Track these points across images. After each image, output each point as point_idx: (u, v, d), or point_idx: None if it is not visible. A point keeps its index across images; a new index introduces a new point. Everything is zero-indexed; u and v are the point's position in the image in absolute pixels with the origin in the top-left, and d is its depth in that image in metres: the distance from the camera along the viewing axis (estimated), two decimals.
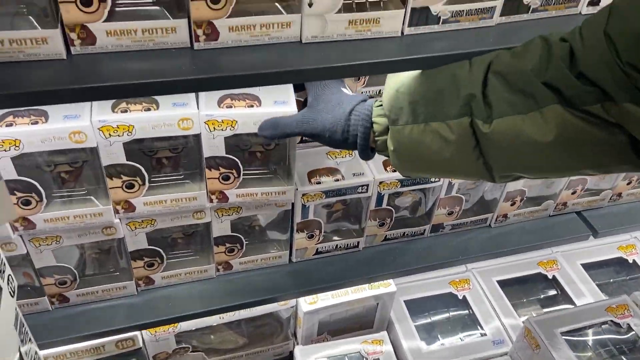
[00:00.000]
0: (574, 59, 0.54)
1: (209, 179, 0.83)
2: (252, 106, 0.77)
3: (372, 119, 0.69)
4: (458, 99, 0.61)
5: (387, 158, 0.73)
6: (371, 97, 1.00)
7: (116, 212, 0.83)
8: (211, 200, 0.87)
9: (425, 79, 0.66)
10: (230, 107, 0.77)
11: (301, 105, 0.81)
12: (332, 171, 0.99)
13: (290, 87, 0.81)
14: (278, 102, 0.78)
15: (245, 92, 0.80)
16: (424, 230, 1.13)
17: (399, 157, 0.68)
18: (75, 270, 0.90)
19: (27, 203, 0.77)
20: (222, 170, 0.82)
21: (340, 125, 0.70)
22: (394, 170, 0.99)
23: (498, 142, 0.59)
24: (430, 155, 0.64)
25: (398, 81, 0.68)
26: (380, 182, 0.98)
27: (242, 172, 0.84)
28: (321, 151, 1.01)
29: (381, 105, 0.69)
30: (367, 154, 0.72)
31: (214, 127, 0.76)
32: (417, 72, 0.68)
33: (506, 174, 0.63)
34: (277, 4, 0.70)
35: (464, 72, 0.63)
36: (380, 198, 1.02)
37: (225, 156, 0.81)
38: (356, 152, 1.02)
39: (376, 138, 0.70)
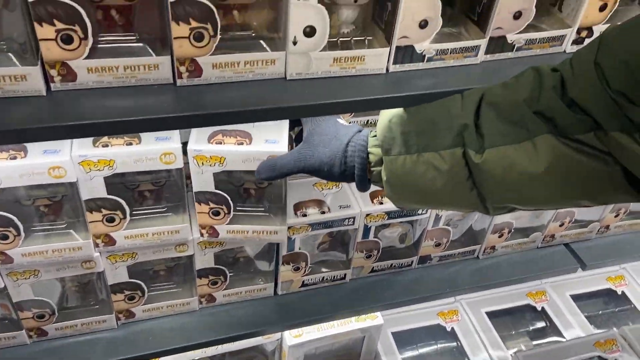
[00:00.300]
0: (565, 88, 0.54)
1: (199, 213, 0.82)
2: (242, 143, 0.76)
3: (368, 149, 0.69)
4: (451, 129, 0.61)
5: (380, 189, 0.72)
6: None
7: (96, 245, 0.82)
8: (201, 234, 0.85)
9: (418, 110, 0.66)
10: (220, 143, 0.76)
11: (292, 140, 0.80)
12: (318, 203, 0.98)
13: (284, 124, 0.80)
14: (269, 141, 0.77)
15: (238, 128, 0.79)
16: (412, 261, 1.12)
17: (392, 187, 0.67)
18: (53, 304, 0.88)
19: (4, 237, 0.76)
20: (212, 205, 0.81)
21: (338, 158, 0.69)
22: (381, 203, 0.99)
23: (490, 173, 0.59)
24: (424, 186, 0.64)
25: (391, 112, 0.68)
26: (367, 215, 0.98)
27: (232, 208, 0.82)
28: (307, 183, 1.01)
29: (375, 135, 0.69)
30: (364, 185, 0.71)
31: (202, 162, 0.75)
32: (414, 107, 0.68)
33: (500, 205, 0.63)
34: (261, 41, 0.70)
35: (456, 103, 0.63)
36: (367, 230, 1.01)
37: (215, 191, 0.80)
38: (343, 183, 1.02)
39: (372, 169, 0.69)
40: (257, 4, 0.69)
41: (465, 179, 0.61)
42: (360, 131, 0.72)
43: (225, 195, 0.79)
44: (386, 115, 0.68)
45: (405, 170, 0.64)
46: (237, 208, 0.83)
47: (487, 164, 0.58)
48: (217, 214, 0.80)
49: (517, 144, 0.56)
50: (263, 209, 0.87)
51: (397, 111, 0.68)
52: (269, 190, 0.85)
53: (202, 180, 0.77)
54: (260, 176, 0.73)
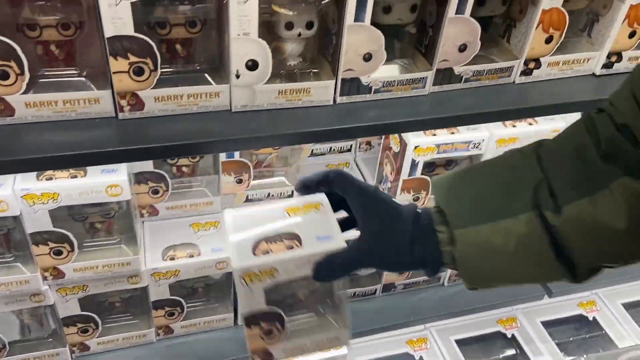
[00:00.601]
0: (615, 124, 0.51)
1: (248, 335, 0.64)
2: (292, 247, 0.61)
3: (435, 228, 0.58)
4: (523, 191, 0.54)
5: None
6: None
7: (44, 278, 0.81)
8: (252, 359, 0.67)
9: (479, 172, 0.60)
10: (267, 252, 0.60)
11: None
12: None
13: (328, 211, 0.63)
14: (321, 237, 0.61)
15: (282, 231, 0.62)
16: (375, 290, 1.11)
17: (468, 266, 0.57)
18: (4, 338, 0.86)
19: None
20: (265, 326, 0.64)
21: (405, 247, 0.58)
22: None
23: (572, 235, 0.52)
24: (503, 259, 0.55)
25: (447, 179, 0.60)
26: None
27: (285, 324, 0.65)
28: None
29: (439, 210, 0.59)
30: (437, 270, 0.60)
31: (251, 279, 0.59)
32: (467, 168, 0.62)
33: (592, 267, 0.55)
34: (206, 74, 0.71)
35: (518, 161, 0.57)
36: None
37: (268, 309, 0.63)
38: None
39: (442, 249, 0.57)
40: (200, 38, 0.69)
41: (547, 245, 0.53)
42: (418, 209, 0.61)
43: (279, 311, 0.63)
44: (442, 185, 0.60)
45: (480, 243, 0.55)
46: (289, 320, 0.66)
47: (567, 225, 0.52)
48: (269, 333, 0.65)
49: (592, 195, 0.51)
50: (315, 313, 0.70)
51: (454, 177, 0.60)
52: (321, 292, 0.69)
53: (252, 298, 0.61)
54: (319, 279, 0.60)
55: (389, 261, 0.59)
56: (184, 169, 0.95)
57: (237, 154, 0.93)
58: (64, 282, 0.83)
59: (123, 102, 0.65)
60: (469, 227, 0.55)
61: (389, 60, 0.77)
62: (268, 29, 0.72)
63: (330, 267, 0.59)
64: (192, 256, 0.90)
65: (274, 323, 0.64)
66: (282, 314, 0.64)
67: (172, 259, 0.89)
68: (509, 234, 0.54)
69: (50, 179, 0.72)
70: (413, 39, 0.81)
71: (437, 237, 0.57)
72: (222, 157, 0.92)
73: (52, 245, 0.77)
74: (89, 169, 0.74)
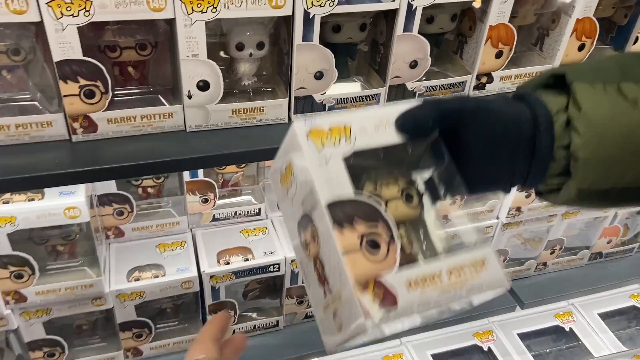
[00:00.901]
0: None
1: None
2: None
3: (541, 99, 0.47)
4: None
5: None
6: None
7: (6, 303, 0.81)
8: None
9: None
10: None
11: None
12: (243, 250, 0.98)
13: None
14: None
15: None
16: None
17: (590, 135, 0.44)
18: None
19: None
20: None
21: (503, 100, 0.48)
22: None
23: None
24: (630, 128, 0.44)
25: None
26: (292, 260, 0.98)
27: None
28: (234, 229, 1.01)
29: (545, 82, 0.49)
30: (551, 143, 0.46)
31: (321, 141, 0.44)
32: None
33: None
34: (159, 96, 0.72)
35: None
36: (294, 276, 1.01)
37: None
38: (270, 228, 1.03)
39: (552, 110, 0.46)
40: (152, 60, 0.71)
41: None
42: None
43: (377, 206, 0.42)
44: (548, 71, 0.49)
45: (604, 105, 0.45)
46: None
47: None
48: (374, 245, 0.42)
49: None
50: None
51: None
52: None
53: (329, 174, 0.43)
54: (404, 127, 0.46)
55: (483, 108, 0.46)
56: (149, 189, 0.96)
57: (201, 174, 0.94)
58: (27, 306, 0.83)
59: (76, 125, 0.66)
60: (589, 84, 0.46)
61: (345, 78, 0.79)
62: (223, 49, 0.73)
63: (415, 113, 0.46)
64: (157, 277, 0.90)
65: (376, 225, 0.41)
66: (382, 213, 0.42)
67: (137, 280, 0.90)
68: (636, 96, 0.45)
69: (7, 202, 0.73)
70: (367, 56, 0.83)
71: (545, 103, 0.46)
72: (186, 176, 0.93)
73: (12, 268, 0.77)
74: (47, 191, 0.75)
